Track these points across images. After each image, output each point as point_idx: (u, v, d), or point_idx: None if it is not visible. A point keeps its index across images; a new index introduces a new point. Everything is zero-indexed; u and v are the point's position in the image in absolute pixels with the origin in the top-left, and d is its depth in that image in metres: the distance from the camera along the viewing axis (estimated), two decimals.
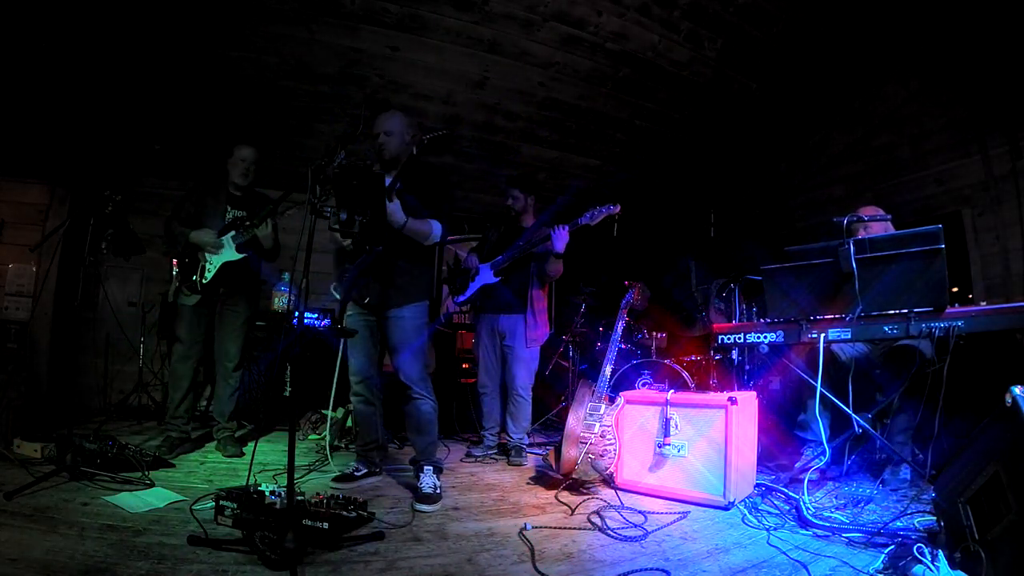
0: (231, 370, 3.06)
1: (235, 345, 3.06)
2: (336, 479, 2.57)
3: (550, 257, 3.20)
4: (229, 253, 2.97)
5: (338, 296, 2.53)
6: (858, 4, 3.68)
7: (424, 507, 2.22)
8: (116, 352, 4.46)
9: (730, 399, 2.37)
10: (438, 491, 2.35)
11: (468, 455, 3.39)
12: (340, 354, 2.65)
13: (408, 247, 2.45)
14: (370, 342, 2.56)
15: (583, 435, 2.54)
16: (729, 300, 3.98)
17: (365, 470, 2.64)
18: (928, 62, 4.00)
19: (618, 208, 3.04)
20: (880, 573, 1.59)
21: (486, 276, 3.40)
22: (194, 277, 2.96)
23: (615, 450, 2.51)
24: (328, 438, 3.19)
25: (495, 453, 3.44)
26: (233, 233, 2.96)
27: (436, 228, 2.47)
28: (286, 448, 1.74)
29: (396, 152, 2.52)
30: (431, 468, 2.43)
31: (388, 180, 2.44)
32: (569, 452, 2.52)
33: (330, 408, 2.86)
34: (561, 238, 3.10)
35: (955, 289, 3.51)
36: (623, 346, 4.21)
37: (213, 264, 2.96)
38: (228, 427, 3.09)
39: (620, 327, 2.92)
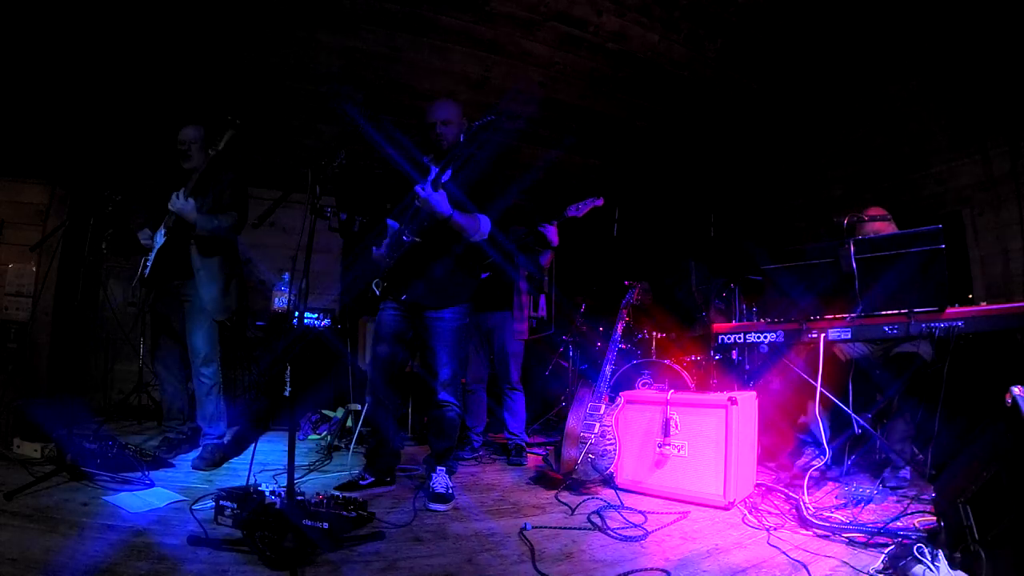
0: (199, 366, 2.81)
1: (200, 337, 2.80)
2: (339, 487, 2.38)
3: (547, 252, 3.38)
4: (159, 240, 2.81)
5: (379, 292, 2.48)
6: (858, 4, 3.68)
7: (437, 506, 2.23)
8: (116, 352, 4.46)
9: (730, 399, 2.37)
10: (450, 491, 2.34)
11: (457, 458, 3.24)
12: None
13: (450, 244, 2.35)
14: (397, 342, 2.46)
15: (583, 435, 2.54)
16: (729, 300, 3.98)
17: (372, 479, 2.44)
18: (928, 62, 4.00)
19: (601, 201, 3.22)
20: (880, 573, 1.59)
21: None
22: (139, 271, 2.88)
23: (615, 450, 2.51)
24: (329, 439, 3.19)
25: (484, 456, 3.38)
26: (166, 217, 2.78)
27: (484, 223, 2.34)
28: (286, 448, 1.74)
29: (453, 142, 2.40)
30: (444, 469, 2.43)
31: (436, 170, 2.29)
32: (569, 452, 2.52)
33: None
34: (553, 233, 3.29)
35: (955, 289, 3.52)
36: (623, 346, 4.21)
37: (151, 258, 2.84)
38: (210, 433, 2.85)
39: (620, 327, 2.92)
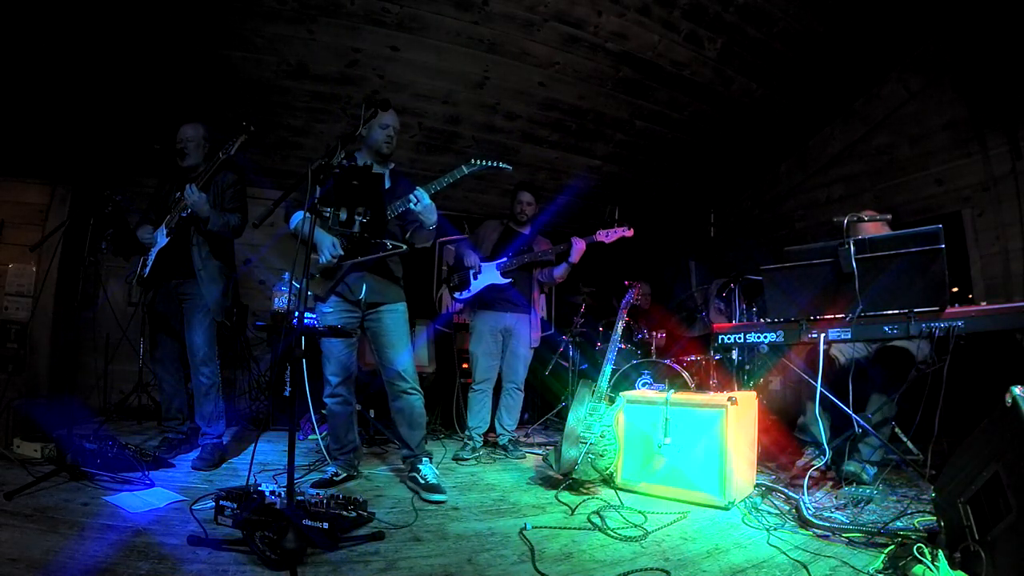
0: (198, 366, 2.79)
1: (199, 337, 2.79)
2: (314, 484, 2.48)
3: (564, 265, 3.44)
4: (160, 240, 2.81)
5: (318, 292, 2.49)
6: (858, 4, 3.68)
7: (436, 496, 2.28)
8: (116, 352, 4.46)
9: (730, 399, 2.37)
10: (440, 480, 2.42)
11: (457, 458, 3.29)
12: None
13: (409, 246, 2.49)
14: (353, 340, 2.55)
15: (583, 435, 2.54)
16: (729, 300, 3.99)
17: (344, 474, 2.59)
18: (928, 61, 4.00)
19: (631, 231, 3.33)
20: (880, 573, 1.59)
21: (492, 276, 3.44)
22: (135, 272, 2.88)
23: (615, 450, 2.51)
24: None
25: (484, 456, 3.39)
26: (168, 216, 2.77)
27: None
28: (286, 448, 1.74)
29: (394, 147, 2.61)
30: (427, 459, 2.53)
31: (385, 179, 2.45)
32: (569, 452, 2.53)
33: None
34: (579, 251, 3.35)
35: (955, 289, 3.52)
36: (623, 346, 4.21)
37: (151, 257, 2.84)
38: (209, 433, 2.83)
39: (620, 327, 2.93)
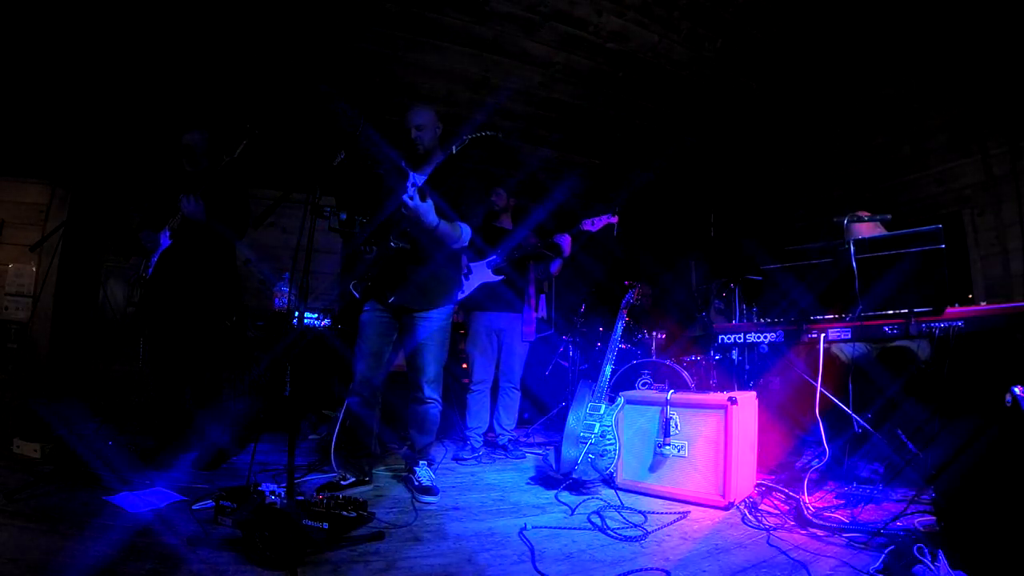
0: (200, 367, 2.81)
1: (201, 336, 2.83)
2: (321, 488, 2.41)
3: (558, 260, 3.46)
4: (164, 242, 2.82)
5: (357, 295, 2.52)
6: (858, 4, 3.68)
7: (428, 498, 2.31)
8: (116, 352, 4.46)
9: (730, 399, 2.37)
10: (434, 483, 2.43)
11: (457, 458, 3.30)
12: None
13: (435, 247, 2.44)
14: (383, 342, 2.51)
15: (583, 435, 2.54)
16: (729, 300, 3.98)
17: (353, 479, 2.51)
18: (928, 62, 4.00)
19: (616, 218, 3.27)
20: (880, 573, 1.59)
21: (484, 275, 3.43)
22: (138, 272, 2.89)
23: (615, 450, 2.51)
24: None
25: (484, 455, 3.39)
26: (171, 219, 2.79)
27: (466, 232, 2.44)
28: (286, 448, 1.74)
29: (430, 146, 2.51)
30: (425, 463, 2.53)
31: (421, 178, 2.38)
32: (569, 452, 2.53)
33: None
34: (567, 244, 3.34)
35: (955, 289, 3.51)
36: (623, 346, 4.21)
37: (154, 259, 2.85)
38: (211, 433, 2.82)
39: (620, 327, 2.93)
